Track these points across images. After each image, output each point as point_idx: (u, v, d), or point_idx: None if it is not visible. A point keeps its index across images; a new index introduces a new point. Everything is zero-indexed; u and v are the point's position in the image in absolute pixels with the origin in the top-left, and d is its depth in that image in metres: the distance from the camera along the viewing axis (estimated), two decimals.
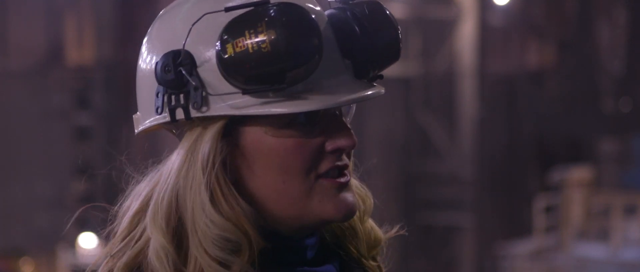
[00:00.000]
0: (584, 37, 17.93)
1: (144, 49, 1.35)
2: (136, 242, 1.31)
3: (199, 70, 1.27)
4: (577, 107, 17.64)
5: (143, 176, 1.35)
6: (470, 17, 15.65)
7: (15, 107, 14.17)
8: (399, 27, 1.35)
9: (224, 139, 1.29)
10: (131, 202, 1.35)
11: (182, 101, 1.27)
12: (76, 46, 14.66)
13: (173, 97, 1.28)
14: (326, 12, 1.34)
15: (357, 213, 1.41)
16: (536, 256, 13.20)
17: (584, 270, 12.55)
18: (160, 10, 1.38)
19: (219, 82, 1.26)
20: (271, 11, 1.23)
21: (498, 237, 15.11)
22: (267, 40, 1.22)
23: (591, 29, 18.04)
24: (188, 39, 1.27)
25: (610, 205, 12.88)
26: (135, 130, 1.38)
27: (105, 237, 1.37)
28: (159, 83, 1.29)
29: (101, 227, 1.38)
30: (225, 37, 1.24)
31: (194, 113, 1.27)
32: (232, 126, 1.29)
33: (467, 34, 15.68)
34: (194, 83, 1.26)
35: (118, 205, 1.37)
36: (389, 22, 1.34)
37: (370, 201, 1.43)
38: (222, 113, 1.27)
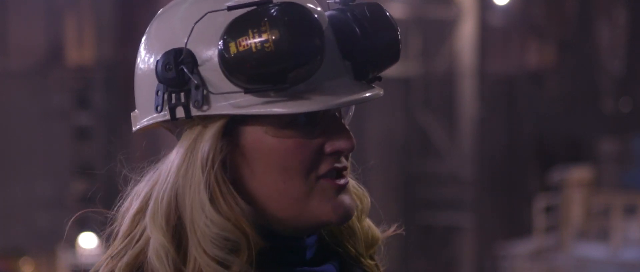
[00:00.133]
0: (584, 37, 17.93)
1: (142, 47, 1.34)
2: (137, 242, 1.31)
3: (200, 68, 1.27)
4: (577, 107, 17.65)
5: (142, 176, 1.35)
6: (470, 17, 15.66)
7: (15, 107, 14.17)
8: (398, 28, 1.35)
9: (224, 139, 1.29)
10: (131, 203, 1.34)
11: (182, 99, 1.27)
12: (76, 46, 14.66)
13: (173, 95, 1.28)
14: (326, 13, 1.34)
15: (355, 212, 1.41)
16: (536, 256, 13.20)
17: (584, 270, 12.55)
18: (160, 10, 1.38)
19: (220, 81, 1.26)
20: (274, 11, 1.23)
21: (498, 237, 15.12)
22: (270, 40, 1.22)
23: (591, 29, 18.05)
24: (190, 38, 1.27)
25: (610, 205, 12.88)
26: (133, 128, 1.38)
27: (105, 239, 1.37)
28: (160, 81, 1.28)
29: (101, 229, 1.38)
30: (228, 36, 1.24)
31: (194, 112, 1.27)
32: (232, 125, 1.29)
33: (467, 34, 15.68)
34: (195, 81, 1.26)
35: (117, 206, 1.36)
36: (389, 24, 1.35)
37: (367, 200, 1.43)
38: (223, 112, 1.27)
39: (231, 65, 1.24)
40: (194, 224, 1.27)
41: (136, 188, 1.35)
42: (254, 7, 1.24)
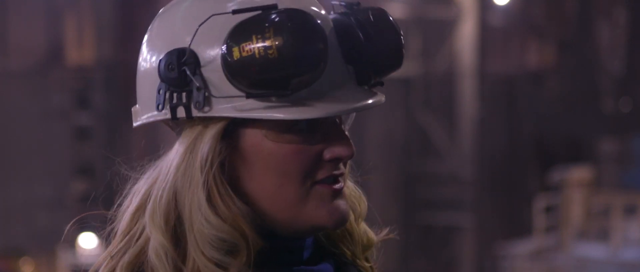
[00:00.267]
0: (584, 37, 17.94)
1: (145, 44, 1.34)
2: (137, 240, 1.31)
3: (203, 70, 1.27)
4: (577, 107, 17.65)
5: (141, 174, 1.35)
6: (470, 17, 15.66)
7: (15, 107, 14.16)
8: (402, 34, 1.35)
9: (223, 140, 1.29)
10: (130, 201, 1.34)
11: (183, 100, 1.27)
12: (76, 46, 14.66)
13: (175, 95, 1.28)
14: (330, 17, 1.33)
15: (353, 216, 1.41)
16: (536, 256, 13.21)
17: (584, 270, 12.55)
18: (161, 9, 1.38)
19: (222, 84, 1.26)
20: (278, 17, 1.23)
21: (498, 237, 15.12)
22: (274, 46, 1.22)
23: (591, 29, 18.05)
24: (194, 39, 1.27)
25: (610, 205, 12.88)
26: (134, 123, 1.38)
27: (105, 238, 1.37)
28: (162, 80, 1.28)
29: (100, 228, 1.38)
30: (232, 40, 1.23)
31: (195, 113, 1.27)
32: (232, 127, 1.29)
33: (467, 34, 15.68)
34: (197, 83, 1.26)
35: (117, 205, 1.36)
36: (393, 29, 1.34)
37: (364, 204, 1.44)
38: (224, 115, 1.27)
39: (234, 69, 1.24)
40: (192, 224, 1.27)
41: (136, 186, 1.35)
42: (259, 12, 1.24)
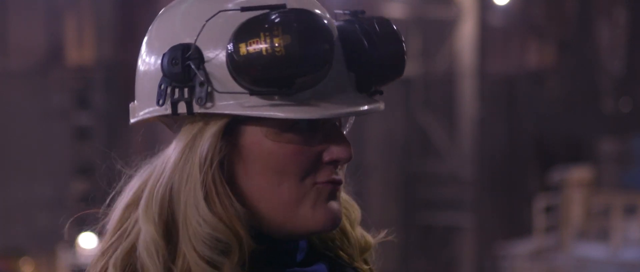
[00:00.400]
0: (584, 37, 17.94)
1: (147, 41, 1.34)
2: (128, 236, 1.30)
3: (207, 66, 1.27)
4: (577, 107, 17.66)
5: (135, 171, 1.35)
6: (470, 17, 15.66)
7: (15, 107, 14.17)
8: (404, 43, 1.36)
9: (223, 139, 1.29)
10: (123, 197, 1.34)
11: (185, 95, 1.27)
12: (76, 46, 14.66)
13: (177, 90, 1.28)
14: (335, 23, 1.34)
15: (348, 220, 1.42)
16: (536, 256, 13.21)
17: (584, 270, 12.55)
18: (162, 9, 1.38)
19: (226, 80, 1.26)
20: (287, 16, 1.23)
21: (498, 237, 15.12)
22: (281, 45, 1.22)
23: (591, 29, 18.06)
24: (200, 35, 1.27)
25: (610, 205, 12.88)
26: (131, 120, 1.38)
27: (97, 234, 1.37)
28: (165, 75, 1.28)
29: (95, 226, 1.38)
30: (239, 37, 1.24)
31: (196, 108, 1.27)
32: (233, 125, 1.29)
33: (467, 34, 15.69)
34: (201, 78, 1.26)
35: (108, 202, 1.36)
36: (396, 38, 1.35)
37: (357, 211, 1.44)
38: (227, 111, 1.27)
39: (239, 66, 1.24)
40: (186, 221, 1.27)
41: (130, 183, 1.34)
42: (267, 11, 1.25)
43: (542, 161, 16.81)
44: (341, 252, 1.43)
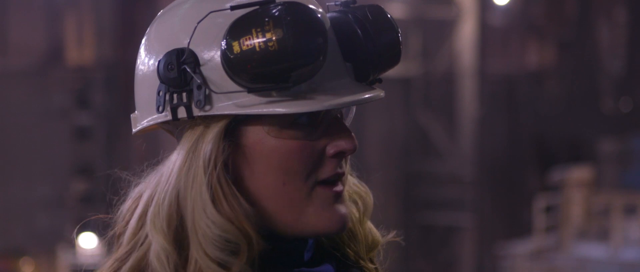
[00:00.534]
0: (584, 37, 17.94)
1: (143, 48, 1.34)
2: (141, 245, 1.31)
3: (203, 68, 1.27)
4: (577, 107, 17.65)
5: (141, 178, 1.35)
6: (470, 17, 15.66)
7: (15, 107, 14.16)
8: (399, 30, 1.35)
9: (226, 139, 1.28)
10: (131, 205, 1.34)
11: (184, 100, 1.27)
12: (76, 46, 14.65)
13: (175, 95, 1.27)
14: (328, 15, 1.34)
15: (357, 214, 1.41)
16: (536, 256, 13.20)
17: (584, 270, 12.55)
18: (160, 11, 1.38)
19: (222, 81, 1.26)
20: (277, 10, 1.23)
21: (498, 237, 15.12)
22: (273, 39, 1.22)
23: (591, 29, 18.05)
24: (192, 38, 1.27)
25: (610, 205, 12.88)
26: (133, 130, 1.37)
27: (108, 242, 1.36)
28: (162, 81, 1.28)
29: (101, 230, 1.38)
30: (232, 35, 1.24)
31: (196, 112, 1.27)
32: (234, 126, 1.29)
33: (467, 34, 15.68)
34: (197, 81, 1.26)
35: (116, 209, 1.36)
36: (390, 26, 1.35)
37: (370, 200, 1.43)
38: (225, 112, 1.27)
39: (234, 64, 1.24)
40: (195, 225, 1.26)
41: (137, 190, 1.34)
42: (257, 7, 1.25)
43: (542, 161, 16.81)
44: (348, 250, 1.42)
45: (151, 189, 1.32)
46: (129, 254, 1.31)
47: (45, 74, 14.35)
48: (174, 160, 1.30)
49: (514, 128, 16.90)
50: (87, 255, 12.44)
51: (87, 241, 12.60)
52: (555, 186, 13.77)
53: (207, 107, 1.27)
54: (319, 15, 1.27)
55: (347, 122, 1.37)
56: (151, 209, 1.29)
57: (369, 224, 1.45)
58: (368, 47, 1.32)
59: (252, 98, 1.26)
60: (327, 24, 1.30)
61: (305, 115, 1.29)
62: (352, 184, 1.41)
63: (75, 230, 1.48)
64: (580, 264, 12.64)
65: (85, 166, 14.09)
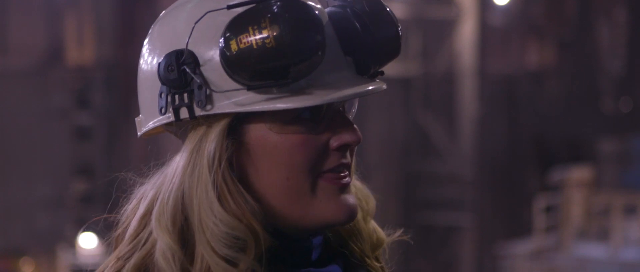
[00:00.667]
0: (584, 37, 17.94)
1: (145, 50, 1.35)
2: (144, 244, 1.31)
3: (202, 68, 1.27)
4: (577, 107, 17.65)
5: (146, 179, 1.35)
6: (470, 17, 15.66)
7: (15, 107, 14.17)
8: (398, 23, 1.36)
9: (229, 137, 1.29)
10: (136, 205, 1.34)
11: (185, 100, 1.28)
12: (76, 46, 14.66)
13: (177, 96, 1.28)
14: (326, 10, 1.34)
15: (361, 214, 1.41)
16: (536, 256, 13.21)
17: (584, 270, 12.55)
18: (161, 11, 1.38)
19: (222, 80, 1.26)
20: (274, 7, 1.24)
21: (498, 237, 15.12)
22: (271, 36, 1.22)
23: (591, 29, 18.05)
24: (190, 38, 1.27)
25: (610, 205, 12.88)
26: (138, 133, 1.38)
27: (110, 242, 1.37)
28: (162, 83, 1.29)
29: (101, 230, 1.38)
30: (229, 34, 1.24)
31: (198, 112, 1.28)
32: (237, 124, 1.29)
33: (467, 34, 15.68)
34: (198, 81, 1.27)
35: (122, 209, 1.36)
36: (389, 19, 1.35)
37: (372, 202, 1.44)
38: (226, 110, 1.27)
39: (233, 62, 1.24)
40: (202, 224, 1.27)
41: (141, 190, 1.35)
42: (254, 5, 1.25)
43: (542, 161, 16.81)
44: (354, 247, 1.42)
45: (155, 190, 1.32)
46: (131, 252, 1.31)
47: (45, 74, 14.36)
48: (178, 160, 1.31)
49: (514, 128, 16.90)
50: (87, 255, 12.44)
51: (87, 241, 12.61)
52: (555, 186, 13.77)
53: (209, 107, 1.27)
54: (316, 11, 1.27)
55: (350, 116, 1.37)
56: (156, 209, 1.29)
57: (373, 223, 1.45)
58: (367, 41, 1.32)
59: (252, 96, 1.26)
60: (325, 19, 1.30)
61: (307, 110, 1.29)
62: (356, 184, 1.41)
63: (80, 232, 1.48)
64: (580, 264, 12.64)
65: (85, 166, 14.10)
